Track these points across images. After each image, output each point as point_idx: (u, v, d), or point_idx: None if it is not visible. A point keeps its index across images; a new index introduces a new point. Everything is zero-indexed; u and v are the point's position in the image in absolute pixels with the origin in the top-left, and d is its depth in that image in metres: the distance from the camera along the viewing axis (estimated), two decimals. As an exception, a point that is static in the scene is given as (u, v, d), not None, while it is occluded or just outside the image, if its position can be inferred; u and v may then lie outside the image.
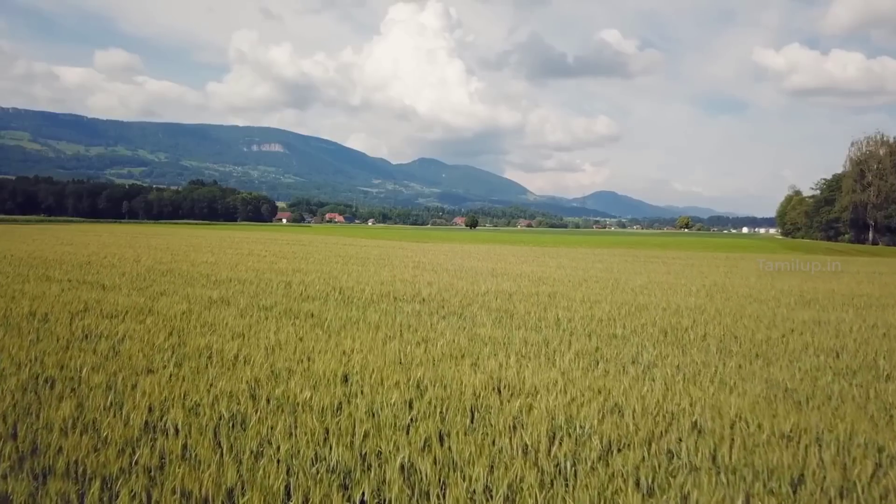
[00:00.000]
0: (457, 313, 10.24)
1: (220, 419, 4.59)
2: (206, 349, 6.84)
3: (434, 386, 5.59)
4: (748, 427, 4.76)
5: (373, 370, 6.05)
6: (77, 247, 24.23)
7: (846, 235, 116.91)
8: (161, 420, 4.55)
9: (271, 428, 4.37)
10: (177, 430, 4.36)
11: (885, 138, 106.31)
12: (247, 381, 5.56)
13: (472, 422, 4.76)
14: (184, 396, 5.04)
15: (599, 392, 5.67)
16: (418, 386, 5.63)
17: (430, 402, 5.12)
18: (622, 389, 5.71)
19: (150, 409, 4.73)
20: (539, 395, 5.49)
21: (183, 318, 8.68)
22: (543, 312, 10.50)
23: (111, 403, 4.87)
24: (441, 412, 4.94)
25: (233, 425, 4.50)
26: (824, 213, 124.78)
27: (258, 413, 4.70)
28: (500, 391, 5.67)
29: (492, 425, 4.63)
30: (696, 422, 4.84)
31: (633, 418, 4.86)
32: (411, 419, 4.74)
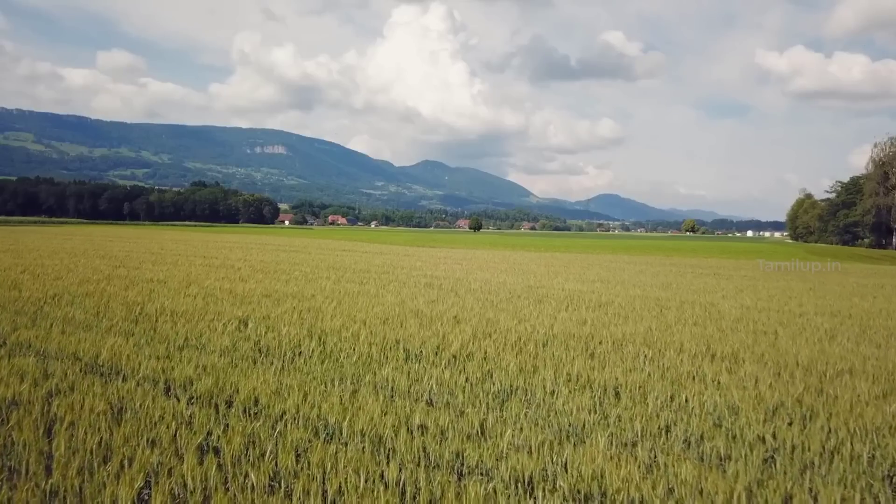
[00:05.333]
0: (519, 390, 5.80)
1: None
2: None
3: None
4: None
5: None
6: (9, 255, 19.81)
7: (866, 240, 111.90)
8: None
9: None
10: None
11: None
12: None
13: None
14: None
15: None
16: None
17: None
18: None
19: None
20: None
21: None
22: (662, 385, 6.04)
23: None
24: None
25: None
26: (841, 217, 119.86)
27: None
28: None
29: None
30: None
31: None
32: None
